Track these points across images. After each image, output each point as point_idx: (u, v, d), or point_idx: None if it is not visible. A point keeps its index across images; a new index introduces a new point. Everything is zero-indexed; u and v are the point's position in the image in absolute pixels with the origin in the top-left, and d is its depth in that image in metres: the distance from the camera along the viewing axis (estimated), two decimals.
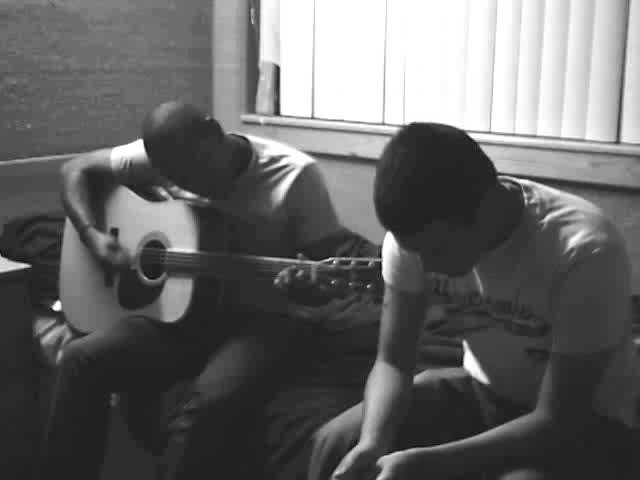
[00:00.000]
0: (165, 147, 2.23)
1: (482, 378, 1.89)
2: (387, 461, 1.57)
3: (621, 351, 1.69)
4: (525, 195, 1.66)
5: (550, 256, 1.60)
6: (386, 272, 1.85)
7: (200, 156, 2.23)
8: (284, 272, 2.14)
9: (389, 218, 1.57)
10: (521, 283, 1.66)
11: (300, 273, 2.13)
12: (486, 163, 1.60)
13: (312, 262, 2.14)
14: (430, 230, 1.55)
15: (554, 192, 1.69)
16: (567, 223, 1.61)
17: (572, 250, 1.58)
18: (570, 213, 1.63)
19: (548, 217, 1.63)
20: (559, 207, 1.64)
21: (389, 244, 1.83)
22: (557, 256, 1.59)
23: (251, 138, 2.41)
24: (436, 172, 1.53)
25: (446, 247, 1.58)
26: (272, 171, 2.35)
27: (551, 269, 1.60)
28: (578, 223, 1.60)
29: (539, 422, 1.62)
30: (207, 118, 2.29)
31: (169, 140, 2.22)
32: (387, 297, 1.86)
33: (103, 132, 3.33)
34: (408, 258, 1.77)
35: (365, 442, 1.64)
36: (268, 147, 2.40)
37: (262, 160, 2.37)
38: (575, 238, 1.58)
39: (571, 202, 1.66)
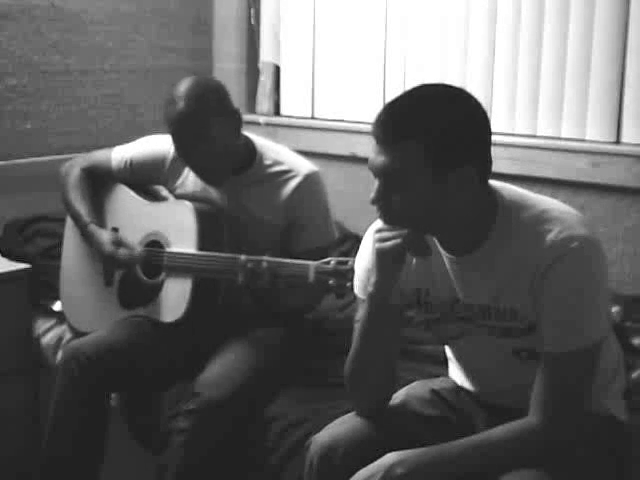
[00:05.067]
0: (187, 110, 2.24)
1: (469, 386, 1.87)
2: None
3: (605, 343, 1.68)
4: (498, 195, 1.66)
5: (528, 255, 1.60)
6: (361, 287, 1.80)
7: (213, 132, 2.25)
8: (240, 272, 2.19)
9: (387, 113, 1.60)
10: (501, 286, 1.65)
11: (250, 266, 2.17)
12: (487, 140, 1.63)
13: (310, 262, 2.15)
14: (407, 149, 1.56)
15: (523, 192, 1.70)
16: (542, 222, 1.61)
17: (550, 247, 1.58)
18: (543, 212, 1.63)
19: (522, 217, 1.63)
20: (531, 207, 1.65)
21: (363, 260, 1.80)
22: (535, 255, 1.60)
23: (256, 139, 2.42)
24: (453, 108, 1.60)
25: (402, 185, 1.58)
26: (275, 174, 2.36)
27: (530, 268, 1.60)
28: (552, 221, 1.61)
29: (528, 425, 1.61)
30: (235, 107, 2.35)
31: (194, 103, 2.24)
32: (360, 313, 1.80)
33: (103, 132, 3.33)
34: None
35: None
36: (273, 150, 2.42)
37: (266, 161, 2.38)
38: (551, 235, 1.59)
39: (541, 201, 1.67)
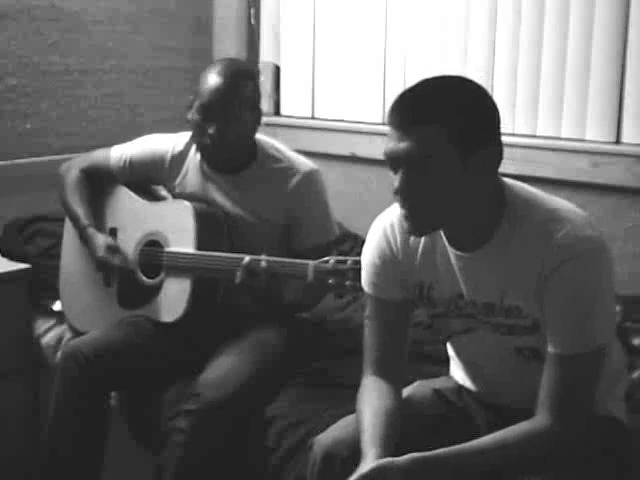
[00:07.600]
0: (225, 88, 2.30)
1: (470, 385, 1.87)
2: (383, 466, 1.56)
3: (609, 346, 1.68)
4: (508, 191, 1.66)
5: (535, 254, 1.60)
6: (366, 282, 1.81)
7: (238, 115, 2.31)
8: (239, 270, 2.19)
9: (406, 99, 1.60)
10: (506, 283, 1.65)
11: (249, 265, 2.17)
12: (500, 123, 1.65)
13: (309, 261, 2.15)
14: (431, 132, 1.55)
15: (533, 190, 1.69)
16: (550, 220, 1.61)
17: (559, 247, 1.58)
18: (552, 211, 1.63)
19: (531, 215, 1.63)
20: (540, 205, 1.65)
21: (368, 254, 1.81)
22: (543, 253, 1.59)
23: (257, 137, 2.43)
24: (469, 92, 1.61)
25: (428, 170, 1.56)
26: (275, 172, 2.37)
27: (537, 267, 1.60)
28: (562, 220, 1.60)
29: (537, 427, 1.60)
30: (260, 105, 2.41)
31: (235, 84, 2.31)
32: (369, 309, 1.82)
33: (103, 132, 3.33)
34: (389, 265, 1.76)
35: (368, 461, 1.60)
36: (273, 147, 2.42)
37: (267, 159, 2.39)
38: (560, 235, 1.58)
39: (551, 200, 1.67)
